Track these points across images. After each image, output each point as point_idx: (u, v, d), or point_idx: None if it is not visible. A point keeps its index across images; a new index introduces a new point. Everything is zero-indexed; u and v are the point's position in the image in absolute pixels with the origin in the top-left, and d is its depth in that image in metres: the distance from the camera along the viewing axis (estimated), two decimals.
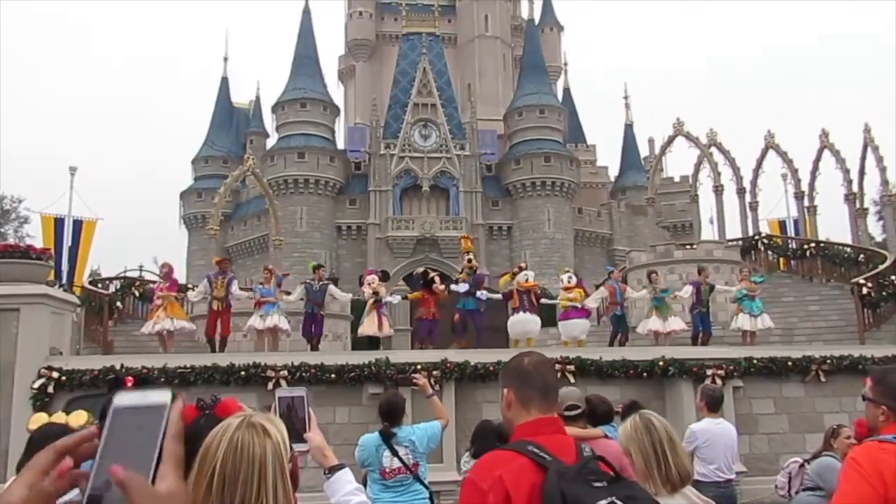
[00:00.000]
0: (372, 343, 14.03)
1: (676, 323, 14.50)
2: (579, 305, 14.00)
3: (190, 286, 24.93)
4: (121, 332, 18.00)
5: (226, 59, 51.08)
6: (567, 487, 1.77)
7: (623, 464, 3.92)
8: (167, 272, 14.71)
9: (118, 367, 11.04)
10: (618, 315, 14.66)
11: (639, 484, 1.90)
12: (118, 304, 17.41)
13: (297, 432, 2.05)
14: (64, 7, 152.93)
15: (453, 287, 13.99)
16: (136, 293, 19.59)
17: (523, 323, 13.62)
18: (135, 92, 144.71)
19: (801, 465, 5.34)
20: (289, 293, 15.14)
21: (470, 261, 14.40)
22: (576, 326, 13.91)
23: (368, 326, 13.70)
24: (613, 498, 1.76)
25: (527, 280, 13.92)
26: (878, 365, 11.78)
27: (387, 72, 47.76)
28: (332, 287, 14.54)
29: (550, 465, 1.85)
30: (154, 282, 20.00)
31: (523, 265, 15.42)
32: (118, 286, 19.66)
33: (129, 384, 2.79)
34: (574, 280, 14.36)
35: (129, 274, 23.62)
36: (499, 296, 14.52)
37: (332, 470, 2.13)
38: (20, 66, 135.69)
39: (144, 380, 10.87)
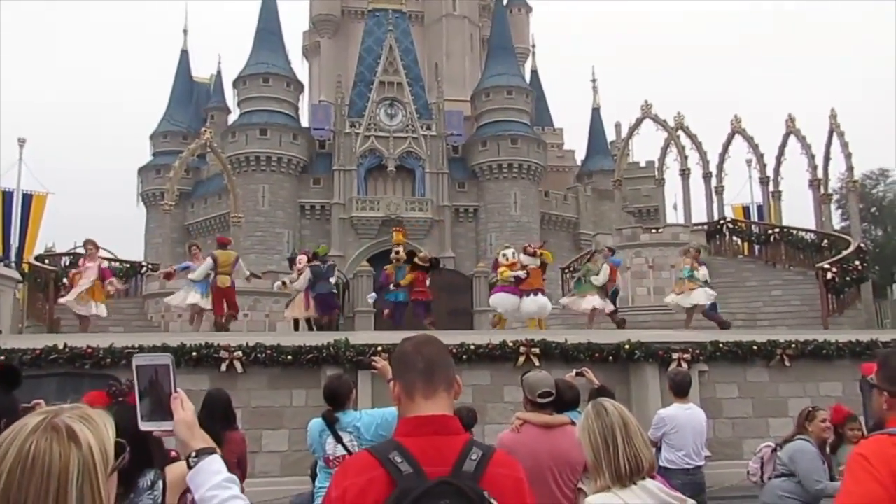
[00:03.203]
0: (311, 326, 13.55)
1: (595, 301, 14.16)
2: (514, 278, 13.27)
3: (147, 264, 24.22)
4: (69, 310, 17.30)
5: (185, 32, 49.74)
6: None
7: (571, 458, 3.71)
8: (93, 251, 13.57)
9: (61, 346, 10.50)
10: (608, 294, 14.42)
11: None
12: (64, 280, 16.68)
13: (162, 407, 1.70)
14: None
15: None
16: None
17: (530, 305, 13.32)
18: (90, 63, 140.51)
19: (774, 450, 5.16)
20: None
21: (398, 252, 13.99)
22: (504, 301, 13.45)
23: (297, 309, 13.26)
24: None
25: (507, 259, 13.53)
26: (841, 350, 11.81)
27: (352, 49, 46.91)
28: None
29: (401, 481, 1.67)
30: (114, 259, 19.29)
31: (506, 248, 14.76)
32: (66, 262, 18.89)
33: None
34: (516, 256, 13.61)
35: (78, 250, 22.74)
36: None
37: (200, 454, 1.66)
38: None
39: (89, 359, 10.36)
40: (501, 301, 13.41)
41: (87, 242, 13.60)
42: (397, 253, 13.95)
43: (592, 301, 14.00)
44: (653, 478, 2.40)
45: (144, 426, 1.70)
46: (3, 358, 9.91)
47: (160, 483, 2.37)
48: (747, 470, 5.40)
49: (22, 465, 1.10)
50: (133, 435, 1.50)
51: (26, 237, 22.14)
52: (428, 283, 13.64)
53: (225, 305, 13.20)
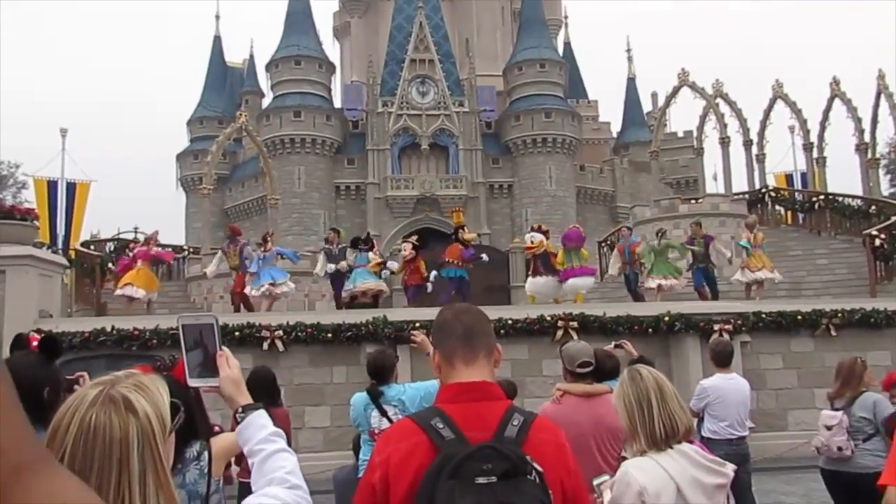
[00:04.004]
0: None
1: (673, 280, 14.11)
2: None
3: (188, 248, 24.69)
4: (116, 295, 17.73)
5: (217, 17, 50.01)
6: (441, 483, 1.59)
7: (612, 425, 3.68)
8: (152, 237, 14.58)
9: (109, 328, 10.79)
10: (626, 274, 14.33)
11: (537, 484, 1.61)
12: (110, 265, 17.10)
13: (209, 365, 1.73)
14: None
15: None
16: (131, 255, 19.27)
17: (536, 286, 13.43)
18: (126, 56, 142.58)
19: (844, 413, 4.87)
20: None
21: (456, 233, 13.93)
22: (535, 285, 13.51)
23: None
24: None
25: (531, 242, 13.59)
26: (890, 318, 11.51)
27: (382, 27, 46.68)
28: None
29: (444, 447, 1.66)
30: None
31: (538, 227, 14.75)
32: (111, 248, 19.35)
33: (35, 341, 2.55)
34: (537, 239, 13.64)
35: (123, 236, 23.26)
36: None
37: (246, 409, 1.70)
38: (5, 28, 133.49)
39: (136, 341, 10.64)
40: (535, 283, 13.51)
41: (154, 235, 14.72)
42: (456, 232, 13.83)
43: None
44: (690, 442, 2.37)
45: (192, 382, 1.74)
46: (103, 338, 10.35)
47: (206, 454, 2.42)
48: (815, 446, 5.04)
49: (84, 437, 1.15)
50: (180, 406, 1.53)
51: (72, 225, 22.72)
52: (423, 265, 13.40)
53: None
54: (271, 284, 13.36)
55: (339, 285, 13.78)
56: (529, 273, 13.95)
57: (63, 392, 2.19)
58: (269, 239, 14.07)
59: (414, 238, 14.03)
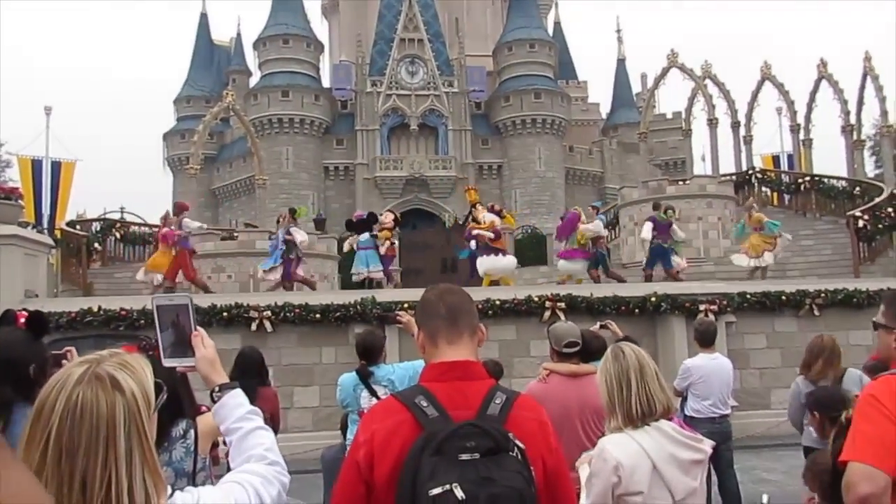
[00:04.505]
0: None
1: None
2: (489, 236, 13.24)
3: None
4: (103, 275, 17.68)
5: None
6: (425, 459, 1.61)
7: (597, 405, 3.70)
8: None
9: (95, 308, 10.74)
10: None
11: (519, 460, 1.64)
12: (96, 245, 16.98)
13: (184, 345, 1.74)
14: None
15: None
16: (117, 235, 19.17)
17: (496, 263, 13.44)
18: (110, 29, 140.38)
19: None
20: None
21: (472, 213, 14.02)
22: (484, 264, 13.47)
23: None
24: (453, 484, 1.56)
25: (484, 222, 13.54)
26: (872, 298, 11.63)
27: (371, 6, 46.20)
28: (292, 229, 13.77)
29: (427, 425, 1.69)
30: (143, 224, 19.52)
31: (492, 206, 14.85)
32: (98, 228, 19.21)
33: (22, 318, 2.52)
34: (488, 219, 13.50)
35: (109, 216, 23.07)
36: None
37: (223, 388, 1.71)
38: None
39: (123, 321, 10.60)
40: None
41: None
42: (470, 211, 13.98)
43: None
44: (669, 420, 2.40)
45: (168, 362, 1.75)
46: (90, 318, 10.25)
47: (192, 432, 2.43)
48: (800, 424, 4.95)
49: (71, 415, 1.15)
50: (165, 385, 1.54)
51: (57, 204, 22.48)
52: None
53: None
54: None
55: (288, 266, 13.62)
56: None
57: (49, 368, 2.19)
58: (280, 220, 13.99)
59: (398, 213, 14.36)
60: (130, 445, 1.17)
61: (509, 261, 13.62)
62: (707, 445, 2.40)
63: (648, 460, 2.29)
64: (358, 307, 10.97)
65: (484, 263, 13.20)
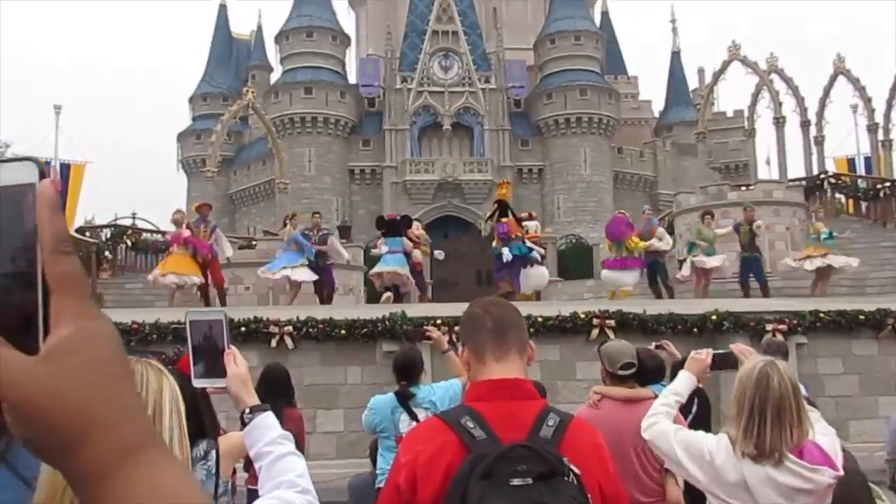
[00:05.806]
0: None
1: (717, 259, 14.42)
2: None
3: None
4: (114, 286, 17.98)
5: None
6: (473, 484, 1.61)
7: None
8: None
9: None
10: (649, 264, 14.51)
11: (574, 486, 1.63)
12: (107, 253, 17.31)
13: (215, 364, 1.78)
14: None
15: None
16: (129, 242, 19.50)
17: (528, 277, 13.68)
18: (124, 23, 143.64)
19: None
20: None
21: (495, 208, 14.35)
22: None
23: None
24: None
25: (527, 232, 14.11)
26: None
27: None
28: (331, 239, 14.24)
29: (475, 447, 1.69)
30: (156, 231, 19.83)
31: (532, 213, 15.51)
32: (108, 235, 19.57)
33: None
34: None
35: (120, 222, 23.53)
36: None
37: (254, 410, 1.75)
38: None
39: (135, 335, 10.76)
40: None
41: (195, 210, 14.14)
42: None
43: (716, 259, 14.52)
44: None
45: (198, 383, 1.79)
46: None
47: (213, 453, 2.45)
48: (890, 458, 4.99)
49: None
50: (186, 403, 1.57)
51: (66, 209, 22.99)
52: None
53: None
54: (289, 268, 13.54)
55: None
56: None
57: None
58: (287, 222, 14.22)
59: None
60: (172, 421, 1.26)
61: (543, 273, 14.00)
62: (826, 476, 2.35)
63: (740, 474, 2.41)
64: (387, 322, 10.97)
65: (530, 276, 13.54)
